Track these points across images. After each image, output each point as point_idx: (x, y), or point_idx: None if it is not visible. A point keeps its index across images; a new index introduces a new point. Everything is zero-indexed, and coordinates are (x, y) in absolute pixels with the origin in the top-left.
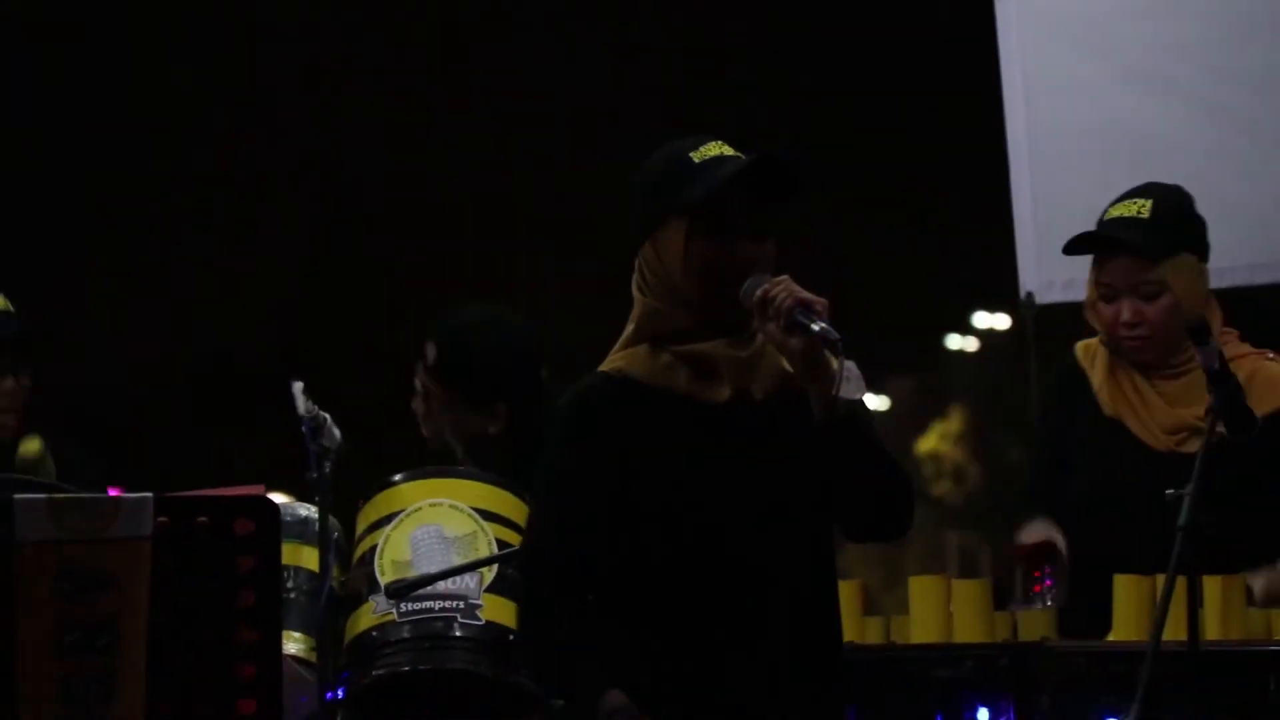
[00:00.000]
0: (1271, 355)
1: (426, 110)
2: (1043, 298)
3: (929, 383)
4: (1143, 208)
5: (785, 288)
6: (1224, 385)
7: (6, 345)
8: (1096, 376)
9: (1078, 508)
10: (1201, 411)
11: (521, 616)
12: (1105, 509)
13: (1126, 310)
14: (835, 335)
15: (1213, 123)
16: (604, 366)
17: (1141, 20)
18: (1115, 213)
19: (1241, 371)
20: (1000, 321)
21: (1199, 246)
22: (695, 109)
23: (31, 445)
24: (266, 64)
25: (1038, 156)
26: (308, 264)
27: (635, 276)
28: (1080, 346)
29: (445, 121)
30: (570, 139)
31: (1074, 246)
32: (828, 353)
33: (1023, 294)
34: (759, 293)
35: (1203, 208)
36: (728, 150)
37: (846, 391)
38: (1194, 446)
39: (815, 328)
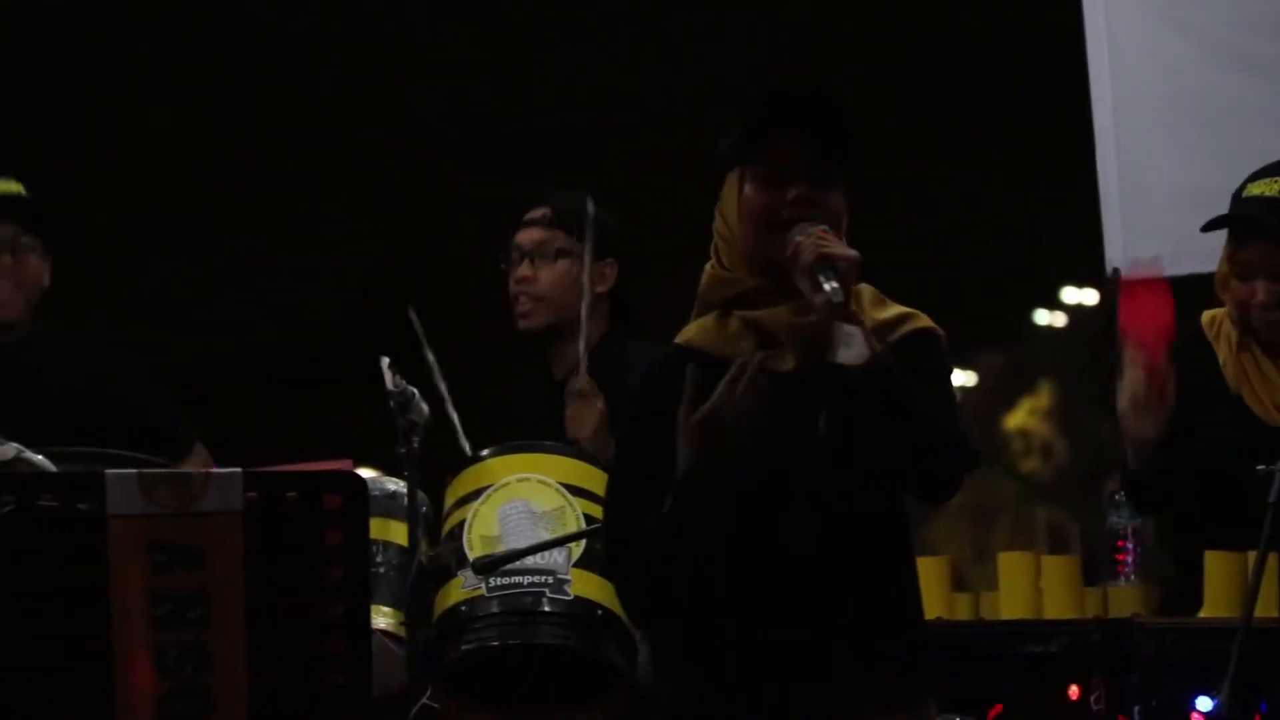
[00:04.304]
0: None
1: (515, 78)
2: (1130, 274)
3: (1017, 358)
4: None
5: (811, 240)
6: None
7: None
8: (1223, 350)
9: (1195, 479)
10: None
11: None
12: (1221, 482)
13: (1261, 292)
14: (839, 299)
15: None
16: (678, 338)
17: None
18: (1255, 190)
19: None
20: (1088, 297)
21: None
22: (760, 57)
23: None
24: (350, 34)
25: (1124, 132)
26: (395, 237)
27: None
28: (1206, 317)
29: (536, 91)
30: (653, 113)
31: (1211, 225)
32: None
33: (1109, 270)
34: (792, 243)
35: None
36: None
37: (845, 357)
38: None
39: (826, 287)
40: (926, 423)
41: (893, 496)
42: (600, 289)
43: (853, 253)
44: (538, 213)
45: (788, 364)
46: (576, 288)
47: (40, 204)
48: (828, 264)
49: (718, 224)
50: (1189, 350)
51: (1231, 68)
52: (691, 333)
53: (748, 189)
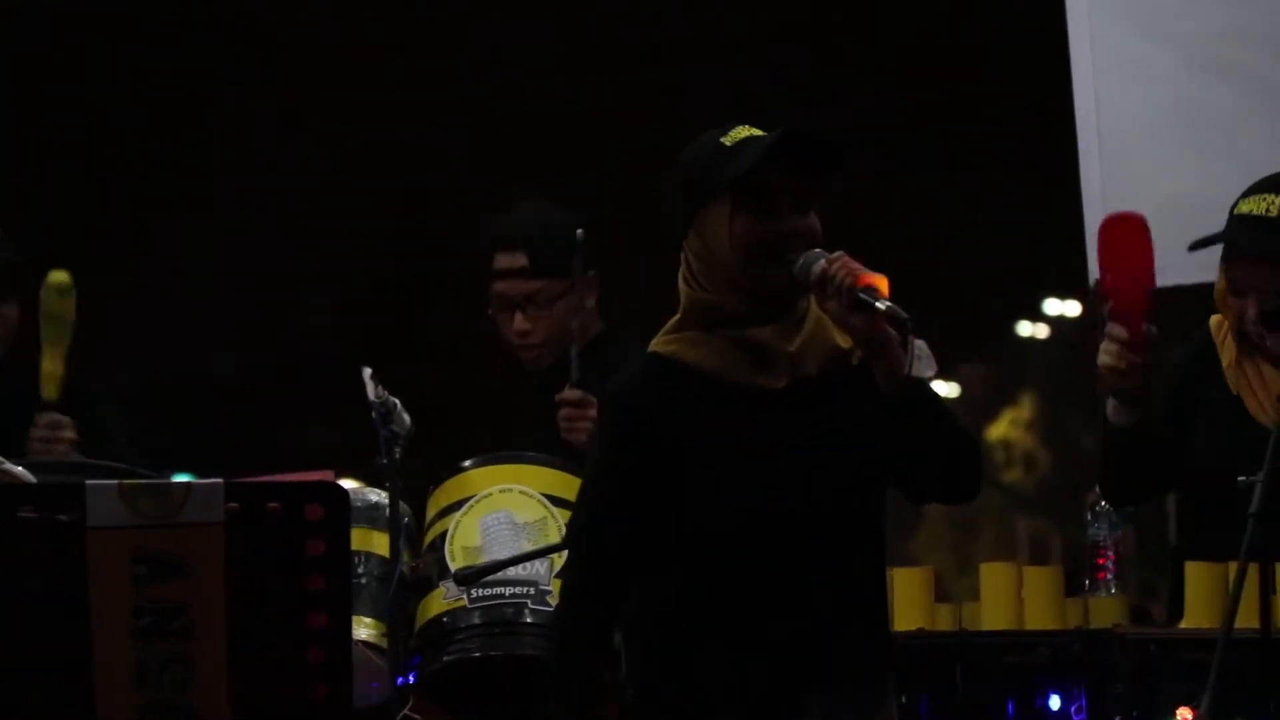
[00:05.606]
0: None
1: (492, 89)
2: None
3: (999, 369)
4: (1272, 205)
5: (843, 265)
6: None
7: None
8: (1226, 354)
9: (1195, 480)
10: None
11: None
12: (1220, 484)
13: (1252, 309)
14: (904, 314)
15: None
16: (655, 347)
17: (1206, 6)
18: (1245, 208)
19: None
20: (1071, 309)
21: None
22: (751, 76)
23: (60, 276)
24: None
25: (1107, 143)
26: (375, 249)
27: (681, 270)
28: (1213, 321)
29: (512, 103)
30: (647, 125)
31: (1195, 246)
32: (893, 331)
33: (1091, 281)
34: (817, 270)
35: None
36: (755, 132)
37: (918, 370)
38: None
39: (881, 306)
40: (959, 427)
41: (878, 506)
42: (590, 303)
43: (882, 274)
44: (516, 262)
45: (779, 382)
46: (575, 316)
47: (15, 262)
48: (870, 286)
49: (696, 246)
50: (1195, 353)
51: (1214, 78)
52: (674, 344)
53: (740, 220)
